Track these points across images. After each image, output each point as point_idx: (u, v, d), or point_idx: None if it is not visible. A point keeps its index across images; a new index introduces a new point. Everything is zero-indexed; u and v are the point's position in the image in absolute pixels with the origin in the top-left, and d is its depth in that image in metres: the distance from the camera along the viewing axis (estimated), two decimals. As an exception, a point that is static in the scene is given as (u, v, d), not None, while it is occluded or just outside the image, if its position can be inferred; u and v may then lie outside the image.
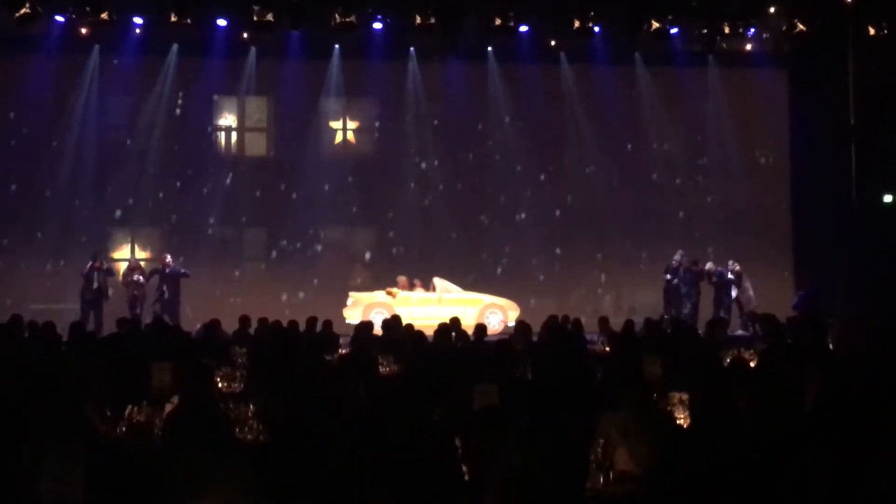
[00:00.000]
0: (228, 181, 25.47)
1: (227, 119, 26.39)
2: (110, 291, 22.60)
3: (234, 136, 26.51)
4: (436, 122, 26.39)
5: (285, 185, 25.58)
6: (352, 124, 26.68)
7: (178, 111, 25.35)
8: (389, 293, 23.95)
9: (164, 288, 22.67)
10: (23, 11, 20.73)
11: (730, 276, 23.89)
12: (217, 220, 25.27)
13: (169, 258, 23.01)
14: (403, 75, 26.03)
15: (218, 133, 26.36)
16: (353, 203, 25.78)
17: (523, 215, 26.20)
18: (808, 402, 7.54)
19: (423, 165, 26.28)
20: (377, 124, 26.82)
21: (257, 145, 26.68)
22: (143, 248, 25.46)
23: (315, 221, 25.77)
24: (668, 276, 24.10)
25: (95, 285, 22.28)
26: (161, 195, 25.07)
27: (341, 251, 26.26)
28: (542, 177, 26.41)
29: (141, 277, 22.78)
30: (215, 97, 26.02)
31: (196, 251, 24.27)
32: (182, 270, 22.91)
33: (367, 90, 26.25)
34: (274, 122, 26.47)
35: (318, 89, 25.68)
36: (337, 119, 26.51)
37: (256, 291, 24.18)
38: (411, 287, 24.28)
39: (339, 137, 26.58)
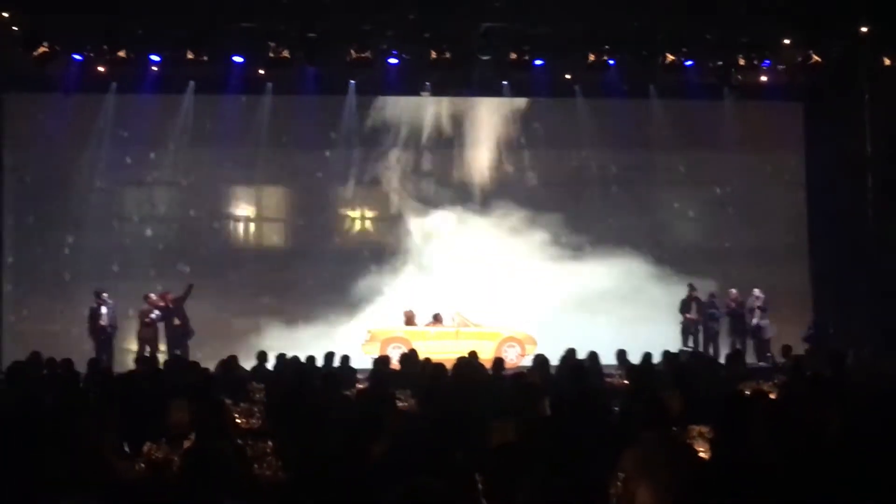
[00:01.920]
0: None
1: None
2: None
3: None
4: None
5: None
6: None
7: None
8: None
9: (176, 321, 22.60)
10: (41, 51, 20.86)
11: (752, 305, 23.85)
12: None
13: (170, 294, 22.91)
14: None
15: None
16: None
17: (544, 249, 26.14)
18: (828, 435, 7.50)
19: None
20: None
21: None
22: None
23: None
24: (686, 310, 24.10)
25: (106, 321, 22.28)
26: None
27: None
28: (560, 211, 26.34)
29: (157, 313, 22.68)
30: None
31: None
32: (184, 293, 22.74)
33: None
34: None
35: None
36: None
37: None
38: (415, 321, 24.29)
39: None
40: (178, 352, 21.67)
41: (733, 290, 24.25)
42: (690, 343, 23.57)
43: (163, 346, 22.57)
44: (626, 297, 25.39)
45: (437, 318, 24.24)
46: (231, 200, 26.32)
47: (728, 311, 24.10)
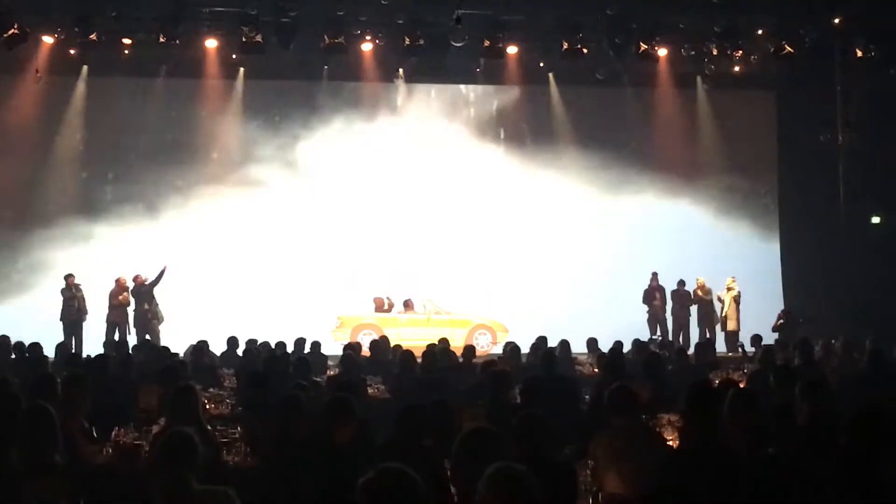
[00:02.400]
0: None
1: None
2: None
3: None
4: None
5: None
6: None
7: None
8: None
9: (146, 306, 22.40)
10: (11, 32, 20.68)
11: (718, 294, 23.95)
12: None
13: (141, 275, 22.65)
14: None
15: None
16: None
17: (516, 237, 26.16)
18: (798, 423, 7.54)
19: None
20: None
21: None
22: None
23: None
24: (649, 299, 24.18)
25: (76, 305, 22.09)
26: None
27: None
28: (530, 196, 26.37)
29: (128, 295, 22.47)
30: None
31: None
32: (156, 276, 22.40)
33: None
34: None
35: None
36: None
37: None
38: (389, 307, 24.24)
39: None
40: (147, 336, 21.49)
41: (699, 278, 24.25)
42: (659, 332, 23.59)
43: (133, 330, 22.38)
44: (597, 285, 25.45)
45: (407, 305, 24.21)
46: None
47: (695, 298, 24.12)
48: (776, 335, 21.35)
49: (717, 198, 26.62)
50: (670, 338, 23.06)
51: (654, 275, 24.37)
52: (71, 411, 8.07)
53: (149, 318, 22.22)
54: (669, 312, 24.25)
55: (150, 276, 22.36)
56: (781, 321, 22.90)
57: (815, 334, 17.47)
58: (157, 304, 22.42)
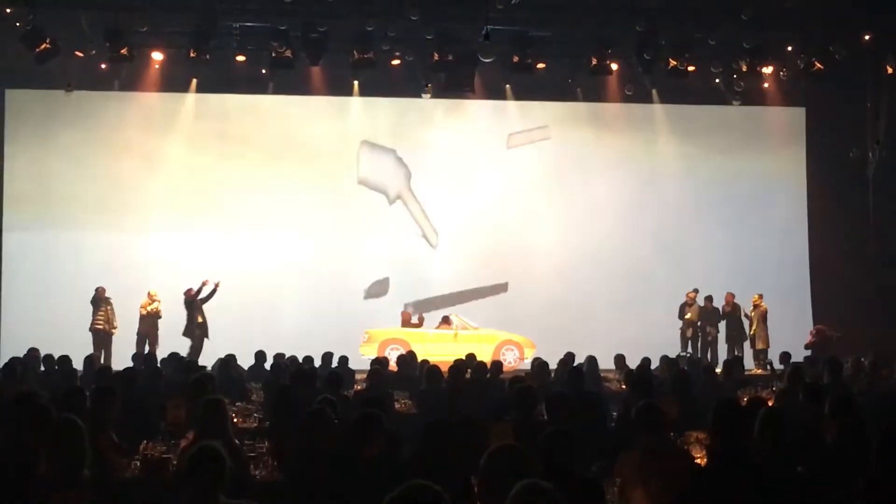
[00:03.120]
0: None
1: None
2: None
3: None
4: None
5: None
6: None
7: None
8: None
9: (199, 319, 22.46)
10: (42, 47, 20.84)
11: (746, 312, 23.82)
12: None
13: (193, 290, 22.63)
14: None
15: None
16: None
17: (544, 252, 26.13)
18: (826, 441, 7.50)
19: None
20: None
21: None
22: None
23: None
24: (684, 314, 24.09)
25: (104, 317, 22.22)
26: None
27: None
28: (558, 211, 26.35)
29: (158, 307, 22.57)
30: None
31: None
32: (209, 293, 22.41)
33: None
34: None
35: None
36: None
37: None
38: (418, 322, 24.27)
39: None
40: (190, 349, 21.52)
41: (728, 293, 24.13)
42: (689, 349, 23.50)
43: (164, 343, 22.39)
44: (626, 301, 25.41)
45: (445, 321, 24.22)
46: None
47: (724, 314, 23.98)
48: (807, 353, 21.23)
49: (745, 213, 26.52)
50: (699, 355, 22.99)
51: (695, 291, 24.22)
52: (99, 424, 8.09)
53: (196, 333, 22.27)
54: (700, 329, 24.13)
55: (202, 290, 22.46)
56: (814, 339, 22.77)
57: (846, 352, 17.37)
58: (205, 320, 22.49)
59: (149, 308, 22.50)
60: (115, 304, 22.57)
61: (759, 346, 23.36)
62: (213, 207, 25.39)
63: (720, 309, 24.03)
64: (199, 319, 22.33)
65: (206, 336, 22.31)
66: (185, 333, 22.20)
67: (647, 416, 7.42)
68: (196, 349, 21.77)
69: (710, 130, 26.66)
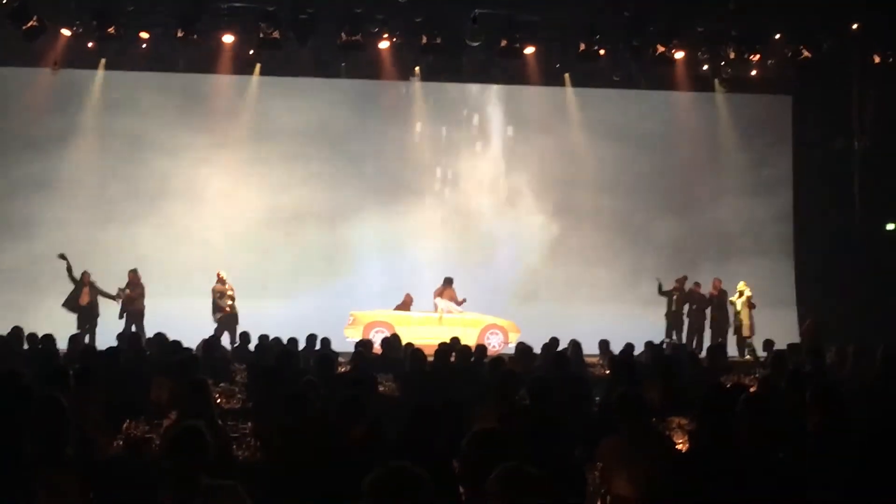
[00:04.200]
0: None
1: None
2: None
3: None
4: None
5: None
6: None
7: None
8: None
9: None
10: (30, 24, 20.76)
11: (731, 299, 23.84)
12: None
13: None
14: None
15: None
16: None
17: (528, 237, 26.17)
18: (809, 429, 7.53)
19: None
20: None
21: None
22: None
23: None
24: (669, 299, 24.11)
25: (88, 298, 22.14)
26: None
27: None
28: (547, 196, 26.38)
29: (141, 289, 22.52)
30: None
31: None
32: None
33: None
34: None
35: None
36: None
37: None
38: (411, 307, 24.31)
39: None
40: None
41: (716, 278, 24.13)
42: (674, 335, 23.53)
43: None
44: (611, 287, 25.46)
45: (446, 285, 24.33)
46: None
47: (710, 299, 23.98)
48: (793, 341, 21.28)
49: (730, 200, 26.56)
50: (684, 341, 23.02)
51: (684, 278, 24.25)
52: (83, 403, 8.09)
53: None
54: (685, 314, 24.15)
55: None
56: (807, 329, 22.79)
57: (830, 341, 17.43)
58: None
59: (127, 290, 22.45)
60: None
61: (745, 333, 23.39)
62: (198, 188, 25.37)
63: (707, 295, 24.04)
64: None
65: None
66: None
67: (629, 403, 7.44)
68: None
69: (696, 117, 26.67)
